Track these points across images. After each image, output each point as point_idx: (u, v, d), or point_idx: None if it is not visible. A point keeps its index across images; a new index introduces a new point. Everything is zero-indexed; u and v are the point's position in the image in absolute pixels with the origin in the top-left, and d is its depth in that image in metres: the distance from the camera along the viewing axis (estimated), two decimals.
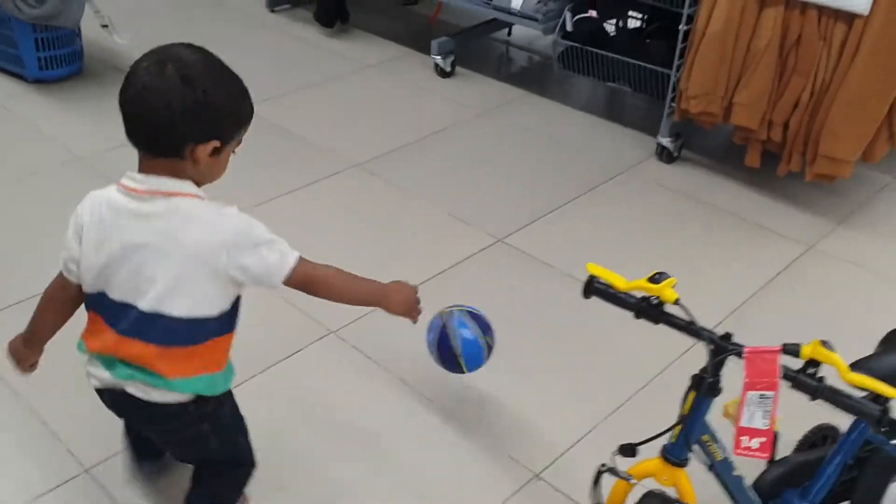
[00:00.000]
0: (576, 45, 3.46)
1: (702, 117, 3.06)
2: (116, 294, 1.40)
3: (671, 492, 1.43)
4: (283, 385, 2.21)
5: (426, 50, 4.00)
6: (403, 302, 1.63)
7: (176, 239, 1.36)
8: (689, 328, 1.36)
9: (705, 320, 1.37)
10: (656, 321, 1.39)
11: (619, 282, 1.40)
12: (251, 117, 1.43)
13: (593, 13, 3.48)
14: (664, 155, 3.30)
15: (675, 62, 3.10)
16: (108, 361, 1.45)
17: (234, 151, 1.45)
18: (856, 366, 1.44)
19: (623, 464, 1.45)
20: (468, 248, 2.78)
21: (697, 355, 1.39)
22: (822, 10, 2.66)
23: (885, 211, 3.08)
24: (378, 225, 2.91)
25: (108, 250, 1.38)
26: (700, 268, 2.71)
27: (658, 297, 1.37)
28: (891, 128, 2.78)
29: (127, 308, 1.40)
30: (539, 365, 2.32)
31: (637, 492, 1.46)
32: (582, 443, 2.06)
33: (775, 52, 2.79)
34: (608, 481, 1.47)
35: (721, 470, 1.49)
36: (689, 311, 1.36)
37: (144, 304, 1.38)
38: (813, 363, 1.30)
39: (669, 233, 2.91)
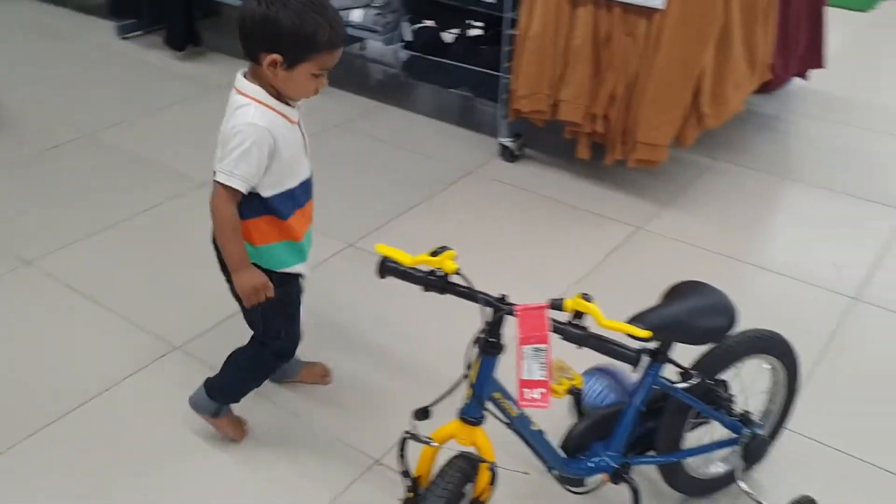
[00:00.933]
0: (415, 53, 3.60)
1: (533, 115, 3.25)
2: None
3: (472, 450, 1.55)
4: (122, 409, 2.23)
5: None
6: (246, 284, 1.79)
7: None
8: (469, 294, 1.48)
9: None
10: (442, 291, 1.51)
11: (406, 258, 1.52)
12: (323, 47, 1.64)
13: (431, 23, 3.64)
14: (506, 154, 3.48)
15: (504, 65, 3.28)
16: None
17: (316, 76, 1.68)
18: (635, 318, 1.60)
19: (427, 429, 1.56)
20: (321, 253, 2.86)
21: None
22: (625, 7, 2.89)
23: (705, 191, 3.34)
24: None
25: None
26: (542, 253, 2.88)
27: (441, 269, 1.49)
28: (698, 112, 3.03)
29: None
30: (378, 357, 2.42)
31: (445, 455, 1.57)
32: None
33: (590, 49, 3.00)
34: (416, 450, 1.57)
35: (519, 425, 1.62)
36: (468, 279, 1.48)
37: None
38: (578, 315, 1.44)
39: (513, 224, 3.07)
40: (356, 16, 3.63)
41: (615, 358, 1.44)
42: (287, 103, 1.75)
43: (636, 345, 1.46)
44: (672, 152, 3.24)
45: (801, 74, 3.91)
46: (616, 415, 1.78)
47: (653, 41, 2.88)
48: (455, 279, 1.50)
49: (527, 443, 1.67)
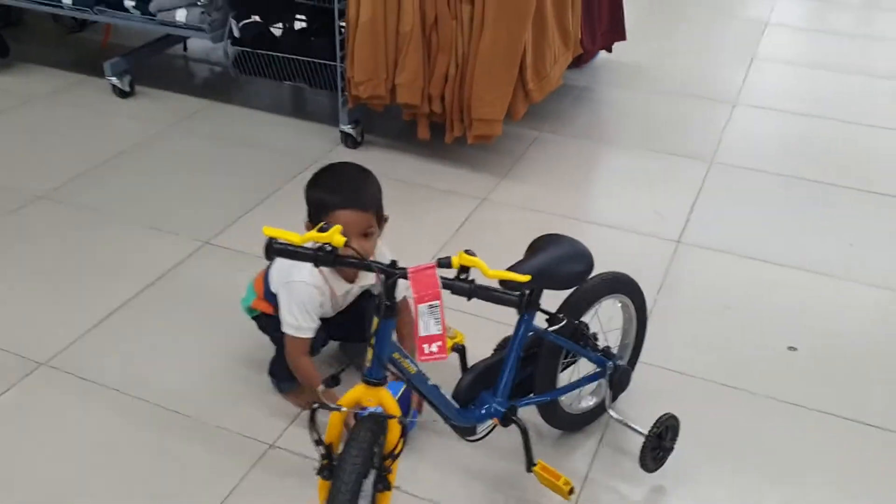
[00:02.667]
0: (246, 49, 3.60)
1: (372, 101, 3.36)
2: None
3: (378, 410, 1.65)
4: None
5: (102, 74, 3.92)
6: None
7: None
8: (362, 264, 1.58)
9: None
10: (333, 264, 1.60)
11: (295, 237, 1.59)
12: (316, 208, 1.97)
13: (257, 18, 3.64)
14: (349, 141, 3.56)
15: (339, 54, 3.37)
16: None
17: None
18: (509, 270, 1.75)
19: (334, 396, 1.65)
20: (176, 255, 2.83)
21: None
22: None
23: (536, 160, 3.59)
24: (70, 252, 2.85)
25: None
26: (398, 231, 2.97)
27: (330, 244, 1.57)
28: (525, 87, 3.27)
29: None
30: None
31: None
32: None
33: (419, 34, 3.15)
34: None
35: (417, 382, 1.74)
36: (357, 250, 1.58)
37: None
38: (464, 269, 1.57)
39: None
40: (180, 15, 3.57)
41: (501, 304, 1.59)
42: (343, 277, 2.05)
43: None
44: (504, 126, 3.45)
45: (607, 48, 4.27)
46: (498, 364, 1.94)
47: (477, 23, 3.07)
48: (345, 252, 1.59)
49: (425, 398, 1.79)
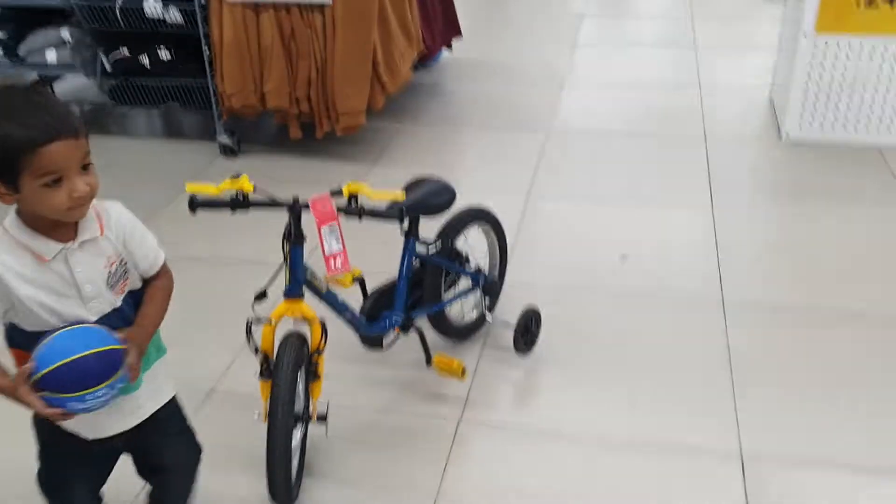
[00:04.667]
0: (121, 80, 3.89)
1: (244, 110, 3.73)
2: None
3: (302, 323, 2.03)
4: None
5: None
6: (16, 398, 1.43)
7: None
8: (271, 202, 1.97)
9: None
10: (247, 207, 1.98)
11: (212, 189, 1.96)
12: (22, 151, 1.34)
13: (125, 50, 3.94)
14: (227, 151, 3.91)
15: (209, 72, 3.72)
16: None
17: (50, 185, 1.36)
18: (391, 205, 2.18)
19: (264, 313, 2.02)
20: None
21: None
22: (300, 7, 3.49)
23: (400, 148, 4.06)
24: None
25: None
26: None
27: (242, 191, 1.96)
28: (380, 81, 3.73)
29: None
30: None
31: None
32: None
33: (280, 45, 3.56)
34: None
35: (329, 299, 2.14)
36: (266, 191, 1.97)
37: None
38: (353, 197, 1.99)
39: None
40: (51, 56, 3.82)
41: (384, 219, 2.01)
42: (54, 236, 1.44)
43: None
44: (368, 123, 3.90)
45: (447, 45, 4.81)
46: (392, 287, 2.37)
47: (329, 30, 3.52)
48: (254, 197, 1.98)
49: (339, 313, 2.19)
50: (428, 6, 4.38)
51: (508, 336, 2.56)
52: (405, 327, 2.35)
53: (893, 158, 3.64)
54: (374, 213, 2.01)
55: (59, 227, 1.44)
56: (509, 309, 2.66)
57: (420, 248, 2.36)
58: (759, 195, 3.54)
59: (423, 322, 2.46)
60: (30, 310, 1.44)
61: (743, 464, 2.16)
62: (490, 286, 2.59)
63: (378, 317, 2.35)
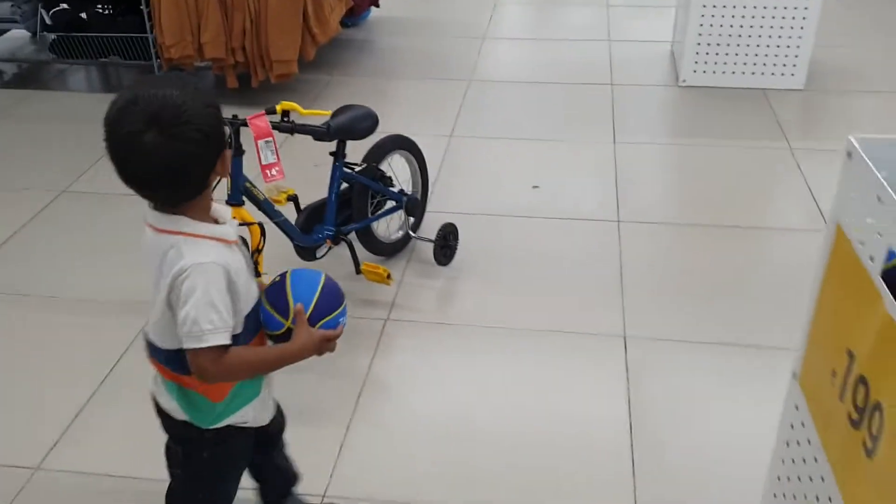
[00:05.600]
0: (61, 34, 4.07)
1: (183, 61, 3.96)
2: None
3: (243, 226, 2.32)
4: None
5: None
6: (310, 349, 1.50)
7: None
8: (233, 123, 2.24)
9: None
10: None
11: None
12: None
13: (65, 5, 4.12)
14: None
15: (148, 25, 3.94)
16: None
17: None
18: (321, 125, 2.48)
19: None
20: (33, 208, 3.31)
21: None
22: None
23: (332, 97, 4.33)
24: None
25: None
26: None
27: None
28: (311, 32, 4.00)
29: None
30: None
31: None
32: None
33: None
34: None
35: (267, 207, 2.44)
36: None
37: None
38: (286, 113, 2.28)
39: None
40: None
41: (313, 135, 2.31)
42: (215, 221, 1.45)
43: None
44: (302, 74, 4.16)
45: (375, 3, 5.08)
46: (324, 203, 2.67)
47: None
48: None
49: (276, 224, 2.48)
50: None
51: (430, 250, 2.89)
52: (336, 238, 2.66)
53: (776, 99, 4.08)
54: (305, 130, 2.31)
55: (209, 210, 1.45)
56: (433, 231, 3.00)
57: (347, 170, 2.67)
58: (655, 132, 3.94)
59: (353, 239, 2.78)
60: (244, 306, 1.44)
61: (625, 342, 2.55)
62: (412, 205, 2.91)
63: (311, 230, 2.66)
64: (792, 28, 3.99)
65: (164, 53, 3.93)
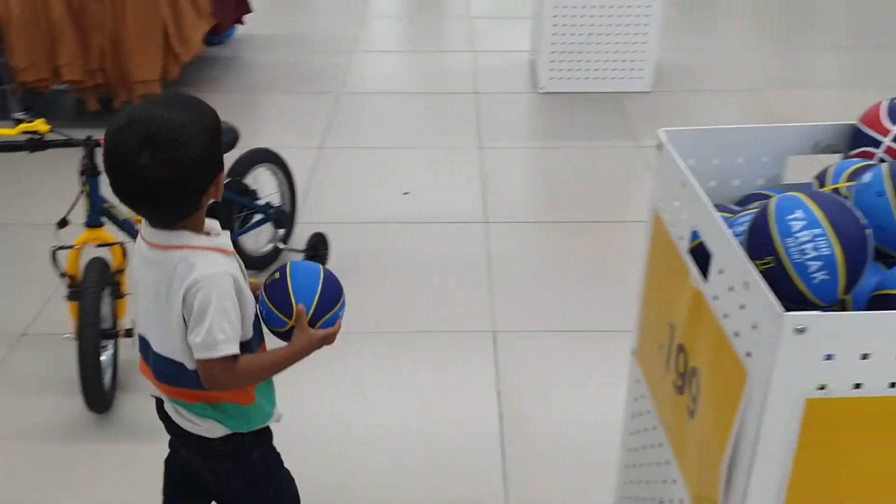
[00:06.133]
0: None
1: (38, 84, 3.84)
2: None
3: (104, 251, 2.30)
4: None
5: None
6: (316, 342, 1.51)
7: None
8: (67, 141, 2.22)
9: None
10: (44, 148, 2.21)
11: (8, 132, 2.18)
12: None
13: None
14: None
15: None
16: None
17: None
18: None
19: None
20: None
21: None
22: None
23: None
24: None
25: None
26: None
27: (38, 132, 2.19)
28: (173, 51, 3.96)
29: None
30: None
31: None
32: None
33: (69, 19, 3.71)
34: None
35: (126, 227, 2.41)
36: (63, 133, 2.21)
37: None
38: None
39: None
40: None
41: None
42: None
43: None
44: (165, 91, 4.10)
45: (238, 20, 5.07)
46: None
47: (119, 3, 3.71)
48: (51, 137, 2.22)
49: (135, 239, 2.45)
50: None
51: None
52: None
53: (627, 101, 4.33)
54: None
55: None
56: (305, 242, 3.03)
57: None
58: (518, 137, 4.12)
59: None
60: (249, 312, 1.46)
61: (494, 337, 2.67)
62: (281, 217, 2.94)
63: None
64: (637, 35, 4.26)
65: (17, 77, 3.80)
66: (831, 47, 5.18)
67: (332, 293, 1.52)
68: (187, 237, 1.38)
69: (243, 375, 1.43)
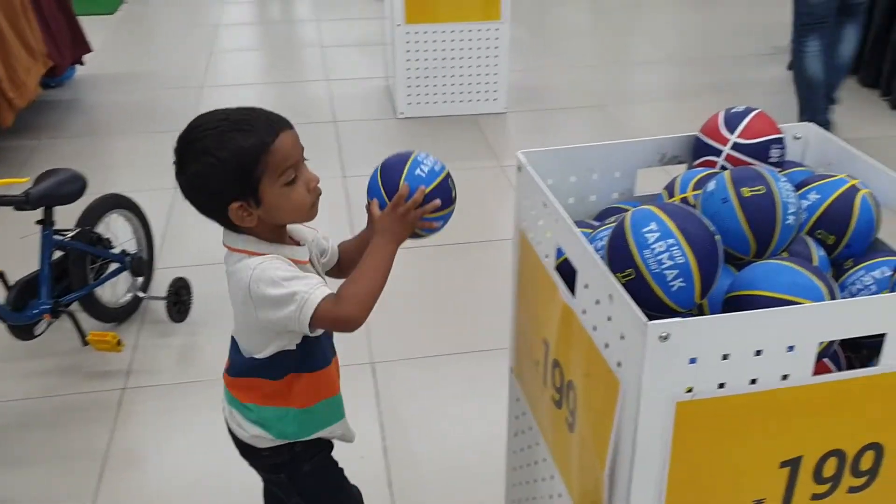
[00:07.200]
0: None
1: None
2: None
3: None
4: None
5: None
6: (400, 230, 1.49)
7: None
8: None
9: None
10: None
11: None
12: (261, 152, 1.34)
13: None
14: None
15: None
16: None
17: (291, 182, 1.38)
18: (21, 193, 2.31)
19: None
20: None
21: None
22: None
23: (40, 163, 4.03)
24: None
25: None
26: None
27: None
28: (6, 97, 3.72)
29: None
30: None
31: None
32: None
33: None
34: None
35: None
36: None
37: None
38: None
39: None
40: None
41: (12, 205, 2.14)
42: (289, 243, 1.46)
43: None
44: (4, 142, 3.84)
45: (78, 60, 4.83)
46: (36, 276, 2.49)
47: None
48: None
49: None
50: (50, 23, 4.38)
51: (163, 308, 2.80)
52: (56, 313, 2.49)
53: (484, 122, 4.43)
54: (1, 201, 2.15)
55: (286, 234, 1.47)
56: (165, 288, 2.90)
57: (58, 237, 2.51)
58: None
59: (77, 308, 2.61)
60: None
61: (374, 368, 2.64)
62: (138, 265, 2.80)
63: (25, 306, 2.47)
64: (488, 57, 4.37)
65: None
66: (665, 61, 5.51)
67: (451, 192, 1.48)
68: (251, 242, 1.39)
69: (352, 297, 1.37)
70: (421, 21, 4.23)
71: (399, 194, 1.45)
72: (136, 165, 4.04)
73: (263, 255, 1.38)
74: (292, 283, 1.34)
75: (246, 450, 1.55)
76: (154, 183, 3.80)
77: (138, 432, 2.40)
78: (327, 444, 1.61)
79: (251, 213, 1.36)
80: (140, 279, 2.85)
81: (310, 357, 1.49)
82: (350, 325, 1.37)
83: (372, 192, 1.50)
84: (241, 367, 1.50)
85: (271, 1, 7.15)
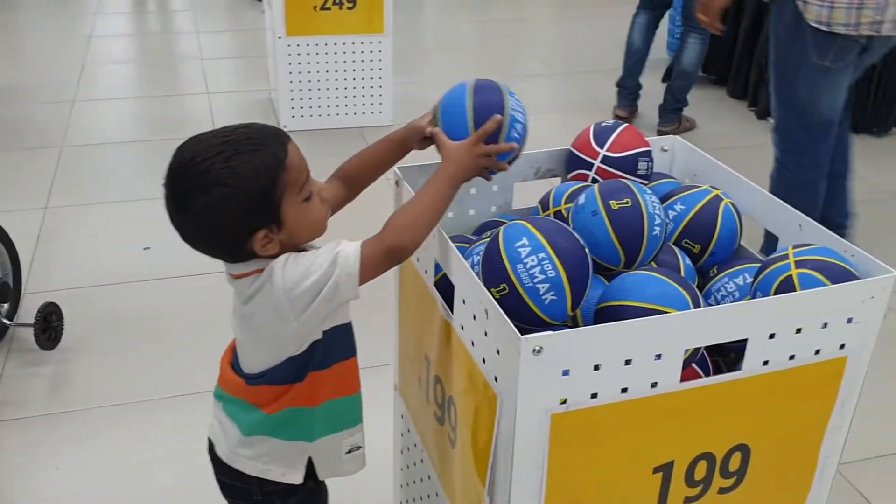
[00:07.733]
0: None
1: None
2: None
3: None
4: None
5: None
6: (474, 168, 1.36)
7: None
8: None
9: None
10: None
11: None
12: (277, 171, 1.22)
13: None
14: None
15: None
16: None
17: (308, 199, 1.28)
18: None
19: None
20: None
21: None
22: None
23: None
24: None
25: None
26: None
27: None
28: None
29: None
30: None
31: None
32: None
33: None
34: None
35: None
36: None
37: None
38: None
39: None
40: None
41: None
42: None
43: None
44: None
45: None
46: None
47: None
48: None
49: None
50: None
51: (26, 335, 2.64)
52: None
53: (370, 135, 4.41)
54: None
55: None
56: (34, 314, 2.74)
57: None
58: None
59: None
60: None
61: None
62: (3, 291, 2.63)
63: None
64: (372, 70, 4.35)
65: None
66: (543, 74, 5.65)
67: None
68: (262, 261, 1.27)
69: (401, 227, 1.29)
70: (302, 34, 4.18)
71: (485, 129, 1.36)
72: (2, 185, 3.81)
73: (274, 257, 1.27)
74: (319, 257, 1.26)
75: (229, 486, 1.51)
76: (22, 203, 3.60)
77: (5, 469, 2.25)
78: (315, 478, 1.50)
79: (273, 240, 1.25)
80: (5, 306, 2.68)
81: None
82: (402, 252, 1.29)
83: (450, 110, 1.44)
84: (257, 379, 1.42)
85: (148, 12, 6.91)
